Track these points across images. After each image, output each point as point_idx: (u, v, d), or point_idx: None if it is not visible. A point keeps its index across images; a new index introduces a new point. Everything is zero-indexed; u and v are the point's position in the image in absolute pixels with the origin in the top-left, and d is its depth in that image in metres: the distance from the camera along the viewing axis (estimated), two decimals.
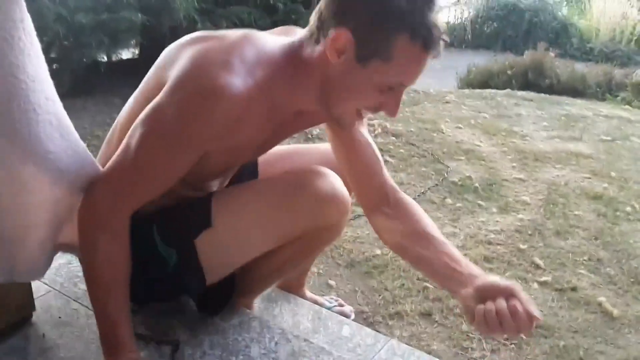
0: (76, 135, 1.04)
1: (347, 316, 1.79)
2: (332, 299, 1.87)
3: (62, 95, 1.20)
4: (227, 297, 1.30)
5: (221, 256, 1.20)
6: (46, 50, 3.76)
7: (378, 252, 2.31)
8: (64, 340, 1.22)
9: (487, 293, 1.00)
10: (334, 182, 1.17)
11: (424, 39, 0.94)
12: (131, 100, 1.17)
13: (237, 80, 0.96)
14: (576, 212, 2.76)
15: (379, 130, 3.94)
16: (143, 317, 1.29)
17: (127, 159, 1.02)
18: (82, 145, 1.05)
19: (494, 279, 1.05)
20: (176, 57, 1.04)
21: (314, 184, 1.16)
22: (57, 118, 0.99)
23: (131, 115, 1.10)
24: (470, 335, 1.85)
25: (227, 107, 0.97)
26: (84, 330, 1.24)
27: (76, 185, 1.03)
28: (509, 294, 0.99)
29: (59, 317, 1.28)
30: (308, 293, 1.76)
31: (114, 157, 1.04)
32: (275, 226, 1.17)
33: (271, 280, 1.42)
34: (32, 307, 1.26)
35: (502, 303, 0.97)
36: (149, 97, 1.04)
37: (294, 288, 1.66)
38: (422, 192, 2.90)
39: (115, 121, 1.21)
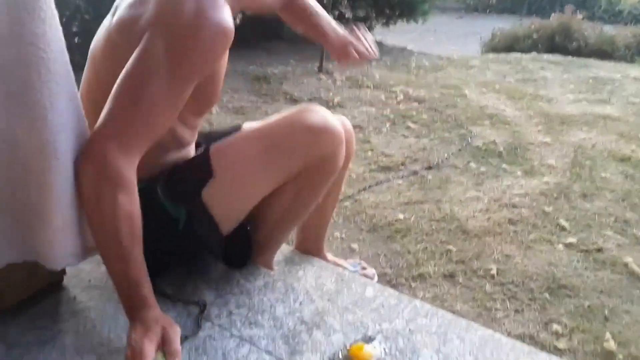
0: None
1: (370, 279, 1.80)
2: (355, 262, 1.89)
3: (82, 68, 1.22)
4: (247, 251, 1.34)
5: (229, 203, 1.25)
6: (67, 24, 3.81)
7: (400, 216, 2.32)
8: (94, 303, 1.25)
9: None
10: (325, 114, 1.26)
11: None
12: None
13: (225, 13, 1.04)
14: (603, 175, 2.72)
15: (401, 96, 3.91)
16: (170, 279, 1.32)
17: (125, 103, 1.00)
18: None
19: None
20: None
21: (306, 118, 1.24)
22: (73, 92, 1.00)
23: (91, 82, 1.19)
24: (494, 296, 1.85)
25: (225, 41, 1.04)
26: (114, 293, 1.28)
27: None
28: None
29: (89, 281, 1.32)
30: (330, 256, 1.77)
31: (106, 109, 1.00)
32: (274, 164, 1.24)
33: (284, 227, 1.42)
34: (63, 271, 1.30)
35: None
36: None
37: (314, 252, 1.68)
38: (446, 158, 2.88)
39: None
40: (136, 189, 1.01)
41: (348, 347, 1.14)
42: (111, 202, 0.97)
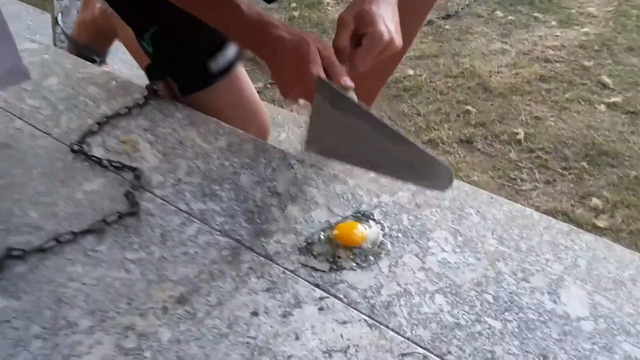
0: None
1: None
2: None
3: None
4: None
5: None
6: None
7: (410, 72, 1.96)
8: (0, 165, 0.95)
9: None
10: None
11: None
12: None
13: None
14: None
15: None
16: (102, 138, 1.00)
17: None
18: None
19: None
20: None
21: None
22: None
23: None
24: (520, 165, 1.54)
25: None
26: (26, 154, 0.97)
27: None
28: None
29: None
30: None
31: None
32: None
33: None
34: None
35: None
36: None
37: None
38: (467, 4, 2.47)
39: None
40: None
41: (334, 225, 0.84)
42: None
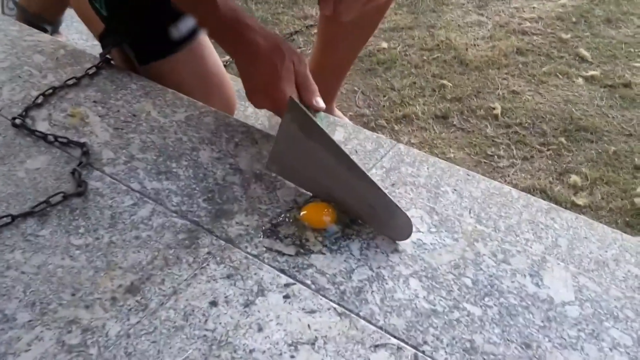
0: None
1: None
2: None
3: None
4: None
5: None
6: None
7: (384, 45, 1.89)
8: None
9: None
10: None
11: None
12: None
13: None
14: None
15: None
16: (47, 111, 0.92)
17: None
18: None
19: None
20: None
21: None
22: None
23: None
24: (497, 140, 1.49)
25: None
26: None
27: None
28: None
29: None
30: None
31: None
32: None
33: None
34: None
35: None
36: None
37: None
38: None
39: None
40: None
41: (301, 205, 0.77)
42: None
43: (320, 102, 0.82)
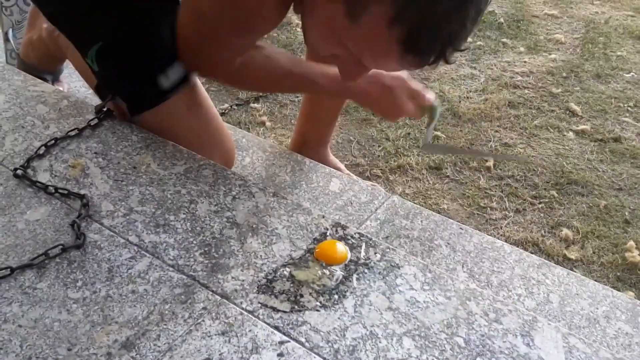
0: None
1: None
2: None
3: None
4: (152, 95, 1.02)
5: None
6: None
7: None
8: None
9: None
10: None
11: (408, 35, 0.75)
12: None
13: None
14: (619, 53, 2.32)
15: None
16: (49, 162, 0.93)
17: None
18: None
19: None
20: None
21: None
22: None
23: None
24: (490, 193, 1.51)
25: None
26: None
27: None
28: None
29: None
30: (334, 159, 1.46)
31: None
32: None
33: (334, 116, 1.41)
34: None
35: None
36: None
37: (316, 154, 1.40)
38: None
39: None
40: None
41: (296, 262, 0.79)
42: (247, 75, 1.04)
43: (430, 98, 1.07)
